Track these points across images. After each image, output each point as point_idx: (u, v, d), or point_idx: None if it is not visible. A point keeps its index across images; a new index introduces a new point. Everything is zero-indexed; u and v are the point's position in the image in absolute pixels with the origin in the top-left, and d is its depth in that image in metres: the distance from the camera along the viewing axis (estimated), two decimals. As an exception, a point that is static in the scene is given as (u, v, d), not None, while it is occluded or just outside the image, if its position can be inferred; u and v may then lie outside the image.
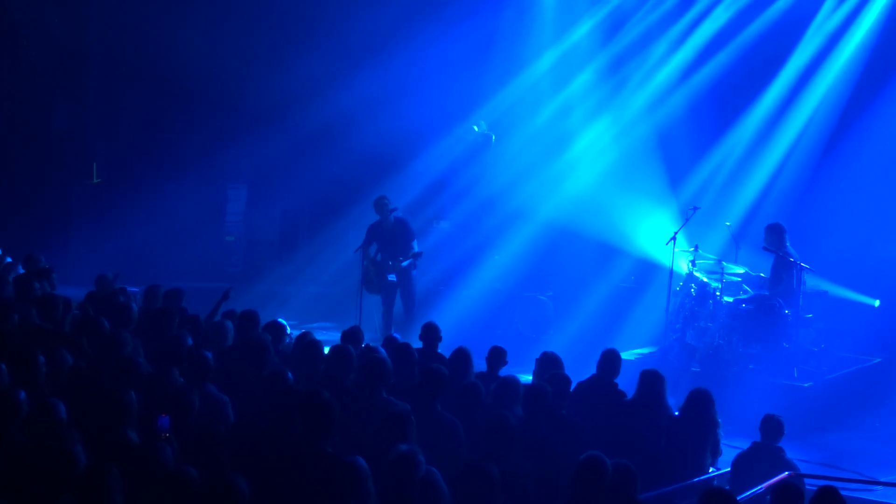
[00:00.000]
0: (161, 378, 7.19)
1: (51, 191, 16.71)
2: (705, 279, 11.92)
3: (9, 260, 11.58)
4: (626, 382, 8.04)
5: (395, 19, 15.70)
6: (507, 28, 15.73)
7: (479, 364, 8.42)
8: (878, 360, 12.41)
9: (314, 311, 14.45)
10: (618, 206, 14.58)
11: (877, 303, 12.75)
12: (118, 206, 15.97)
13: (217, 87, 15.73)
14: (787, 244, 11.56)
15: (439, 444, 6.47)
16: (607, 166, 14.73)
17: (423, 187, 15.34)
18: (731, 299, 11.66)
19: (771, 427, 7.39)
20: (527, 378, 8.08)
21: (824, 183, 13.61)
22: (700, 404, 7.45)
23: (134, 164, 16.81)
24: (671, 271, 12.09)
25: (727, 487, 6.98)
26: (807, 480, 7.01)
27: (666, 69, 14.97)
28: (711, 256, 12.21)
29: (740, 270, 12.09)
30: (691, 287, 12.01)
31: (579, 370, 8.27)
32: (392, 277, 12.56)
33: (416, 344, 8.64)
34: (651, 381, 7.71)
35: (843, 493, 5.57)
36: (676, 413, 7.64)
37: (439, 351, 8.67)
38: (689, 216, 12.24)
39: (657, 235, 13.26)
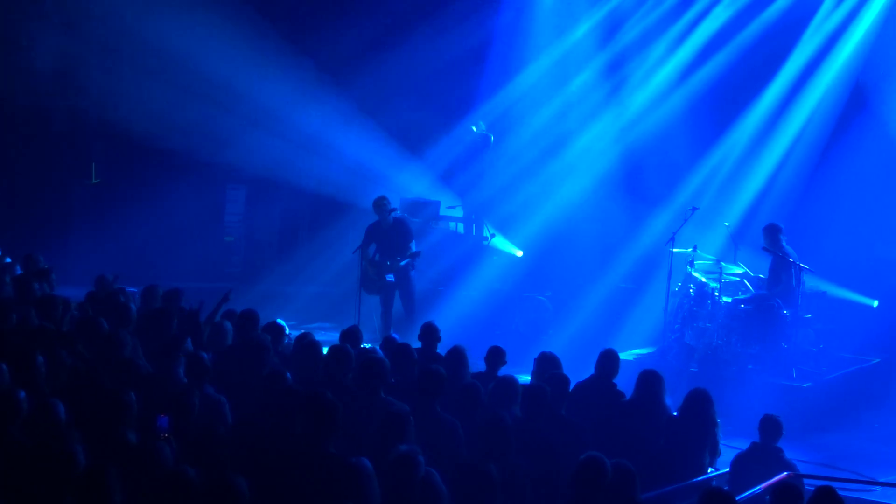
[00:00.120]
0: (161, 378, 7.19)
1: (51, 191, 16.71)
2: (704, 279, 11.92)
3: (8, 260, 11.58)
4: (625, 383, 8.05)
5: (395, 20, 15.71)
6: (505, 28, 15.74)
7: (479, 364, 8.43)
8: (877, 360, 12.42)
9: (313, 311, 14.45)
10: (616, 206, 14.61)
11: (875, 303, 12.77)
12: (118, 207, 15.97)
13: (217, 87, 15.73)
14: (784, 244, 11.57)
15: (439, 444, 6.47)
16: (606, 167, 14.75)
17: (423, 187, 15.38)
18: (729, 299, 11.66)
19: (770, 427, 7.39)
20: (525, 378, 8.10)
21: (823, 183, 13.62)
22: (699, 404, 7.46)
23: (134, 164, 16.80)
24: (670, 272, 12.10)
25: (726, 488, 6.99)
26: (806, 481, 7.01)
27: (665, 69, 14.99)
28: (710, 257, 12.23)
29: (739, 271, 12.10)
30: (690, 287, 12.02)
31: (578, 370, 8.27)
32: (390, 278, 12.57)
33: (416, 344, 8.64)
34: (649, 381, 7.72)
35: (842, 493, 5.58)
36: (675, 413, 7.64)
37: (438, 351, 8.67)
38: (688, 216, 12.25)
39: (656, 236, 13.28)
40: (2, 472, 5.50)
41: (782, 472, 6.89)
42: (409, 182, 15.49)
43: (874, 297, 12.79)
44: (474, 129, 14.51)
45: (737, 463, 7.40)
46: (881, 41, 13.64)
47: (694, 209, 12.35)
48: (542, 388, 7.20)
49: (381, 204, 12.51)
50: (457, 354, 7.99)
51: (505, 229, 14.63)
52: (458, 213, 14.85)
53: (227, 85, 15.76)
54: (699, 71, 14.70)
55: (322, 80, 15.89)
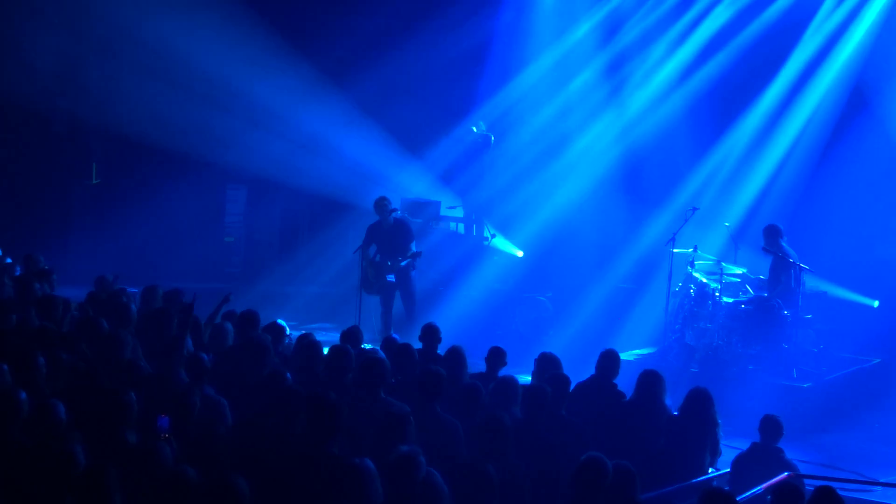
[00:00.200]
0: (161, 378, 7.19)
1: (51, 191, 16.72)
2: (704, 280, 11.92)
3: (9, 261, 11.58)
4: (626, 383, 8.04)
5: (395, 20, 15.70)
6: (505, 29, 15.74)
7: (479, 365, 8.42)
8: (878, 360, 12.41)
9: (314, 311, 14.45)
10: (617, 206, 14.60)
11: (876, 303, 12.77)
12: (118, 207, 15.98)
13: (217, 87, 15.73)
14: (784, 245, 11.57)
15: (439, 445, 6.47)
16: (606, 167, 14.75)
17: (424, 188, 15.37)
18: (730, 300, 11.66)
19: (770, 428, 7.39)
20: (526, 379, 8.09)
21: (823, 183, 13.62)
22: (699, 404, 7.44)
23: (134, 165, 16.81)
24: (670, 272, 12.10)
25: (727, 488, 6.98)
26: (806, 481, 7.01)
27: (665, 70, 14.99)
28: (711, 257, 12.23)
29: (739, 271, 12.10)
30: (690, 288, 12.02)
31: (578, 371, 8.26)
32: (391, 278, 12.56)
33: (416, 345, 8.63)
34: (650, 381, 7.71)
35: (843, 493, 5.58)
36: (676, 413, 7.63)
37: (438, 352, 8.67)
38: (689, 217, 12.25)
39: (656, 236, 13.27)
40: (2, 473, 5.50)
41: (783, 472, 6.89)
42: (409, 182, 15.49)
43: (874, 298, 12.79)
44: (475, 129, 14.50)
45: (737, 463, 7.39)
46: (881, 41, 13.63)
47: (694, 209, 12.36)
48: (543, 388, 7.19)
49: (382, 204, 12.50)
50: (455, 355, 7.99)
51: (505, 229, 14.62)
52: (459, 213, 14.85)
53: (227, 85, 15.76)
54: (699, 71, 14.70)
55: (322, 80, 15.89)
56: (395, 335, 9.70)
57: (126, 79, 16.54)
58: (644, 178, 14.59)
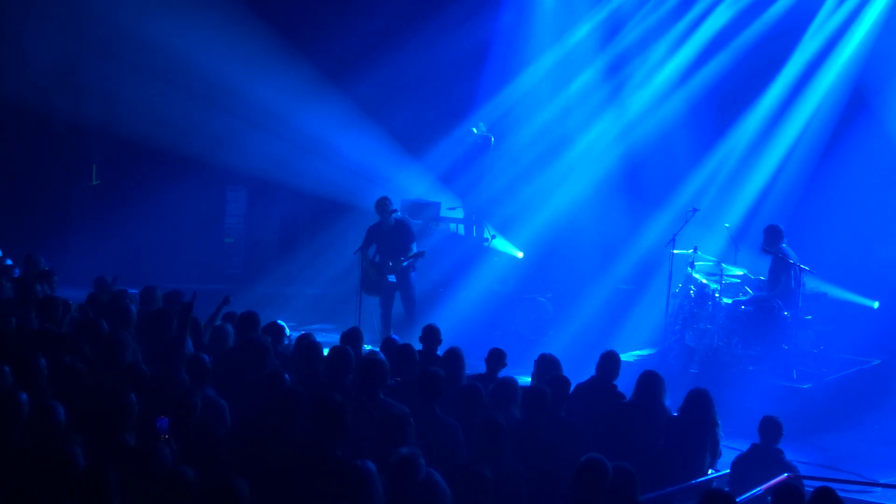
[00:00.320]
0: (161, 380, 7.19)
1: (51, 192, 16.70)
2: (704, 281, 11.92)
3: (9, 262, 11.57)
4: (626, 384, 8.04)
5: (395, 20, 15.70)
6: (506, 29, 15.74)
7: (479, 366, 8.42)
8: (878, 361, 12.41)
9: (314, 312, 14.45)
10: (617, 207, 14.60)
11: (876, 304, 12.76)
12: (118, 208, 15.97)
13: (217, 87, 15.73)
14: (784, 246, 11.56)
15: (439, 446, 6.47)
16: (607, 168, 14.75)
17: (424, 188, 15.37)
18: (730, 301, 11.66)
19: (770, 428, 7.39)
20: (526, 380, 8.09)
21: (823, 185, 13.62)
22: (699, 405, 7.44)
23: (134, 165, 16.80)
24: (670, 273, 12.10)
25: (726, 489, 6.98)
26: (806, 482, 7.01)
27: (665, 70, 14.99)
28: (711, 258, 12.23)
29: (739, 272, 12.10)
30: (690, 289, 12.02)
31: (578, 372, 8.27)
32: (392, 279, 12.55)
33: (417, 346, 8.63)
34: (649, 382, 7.71)
35: (843, 494, 5.58)
36: (675, 414, 7.63)
37: (438, 353, 8.67)
38: (689, 218, 12.25)
39: (656, 237, 13.27)
40: (2, 474, 5.50)
41: (783, 473, 6.89)
42: (409, 183, 15.49)
43: (875, 299, 12.79)
44: (475, 130, 14.50)
45: (737, 464, 7.40)
46: (882, 42, 13.63)
47: (694, 210, 12.35)
48: (543, 389, 7.19)
49: (382, 205, 12.49)
50: (453, 356, 7.98)
51: (505, 230, 14.63)
52: (459, 214, 14.85)
53: (227, 85, 15.75)
54: (700, 72, 14.70)
55: (322, 81, 15.88)
56: (395, 336, 9.70)
57: (126, 79, 16.53)
58: (644, 179, 14.59)
